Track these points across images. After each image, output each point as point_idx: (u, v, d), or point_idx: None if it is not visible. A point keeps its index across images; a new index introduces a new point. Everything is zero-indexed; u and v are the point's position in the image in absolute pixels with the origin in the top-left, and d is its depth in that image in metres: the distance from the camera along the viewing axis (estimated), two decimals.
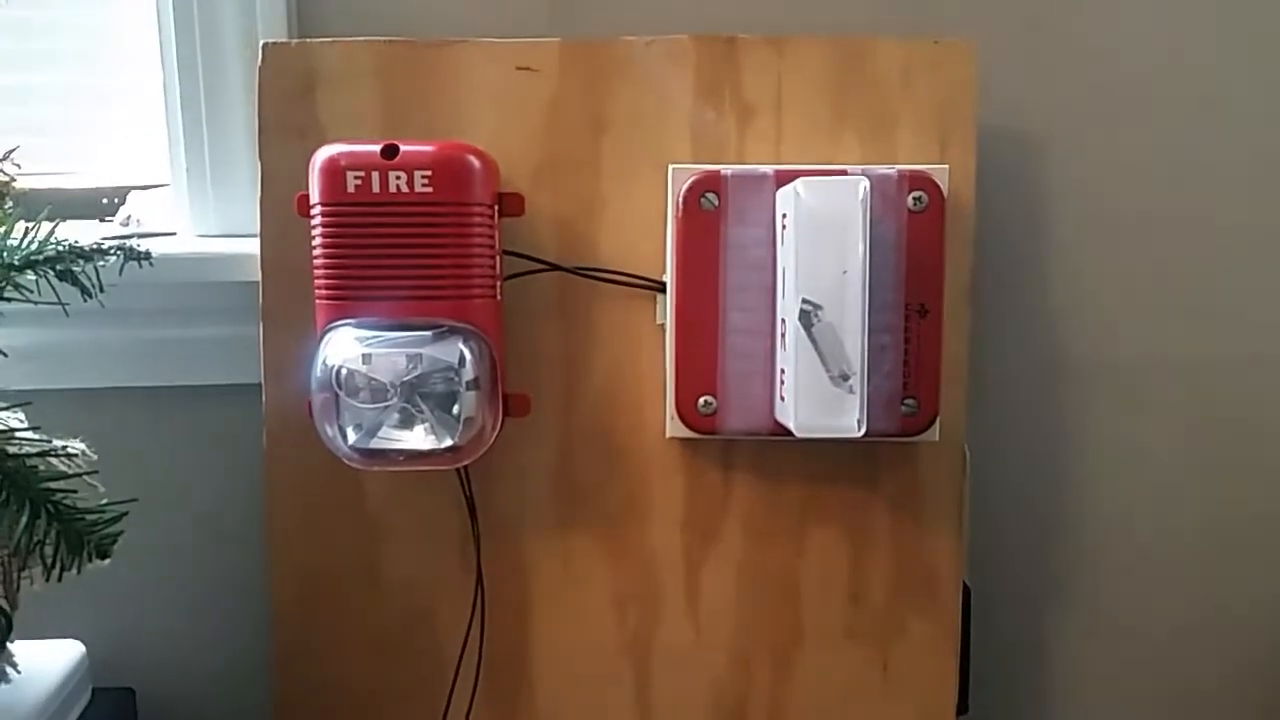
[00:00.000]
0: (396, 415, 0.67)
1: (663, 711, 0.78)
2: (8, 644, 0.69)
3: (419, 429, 0.67)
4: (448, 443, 0.67)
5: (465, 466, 0.74)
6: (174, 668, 0.86)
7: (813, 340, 0.64)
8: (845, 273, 0.63)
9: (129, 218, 0.84)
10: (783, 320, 0.67)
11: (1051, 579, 0.88)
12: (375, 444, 0.67)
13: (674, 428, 0.74)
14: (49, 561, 0.59)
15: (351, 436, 0.67)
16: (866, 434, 0.64)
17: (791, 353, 0.64)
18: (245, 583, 0.82)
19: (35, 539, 0.58)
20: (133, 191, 0.85)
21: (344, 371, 0.66)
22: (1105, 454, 0.86)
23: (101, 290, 0.66)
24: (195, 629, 0.86)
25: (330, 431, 0.68)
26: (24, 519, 0.58)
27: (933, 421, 0.72)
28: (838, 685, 0.77)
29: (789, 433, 0.66)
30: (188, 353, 0.81)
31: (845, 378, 0.63)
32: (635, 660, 0.77)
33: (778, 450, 0.75)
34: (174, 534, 0.84)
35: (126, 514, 0.61)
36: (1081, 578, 0.88)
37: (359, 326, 0.67)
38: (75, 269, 0.65)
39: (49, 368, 0.79)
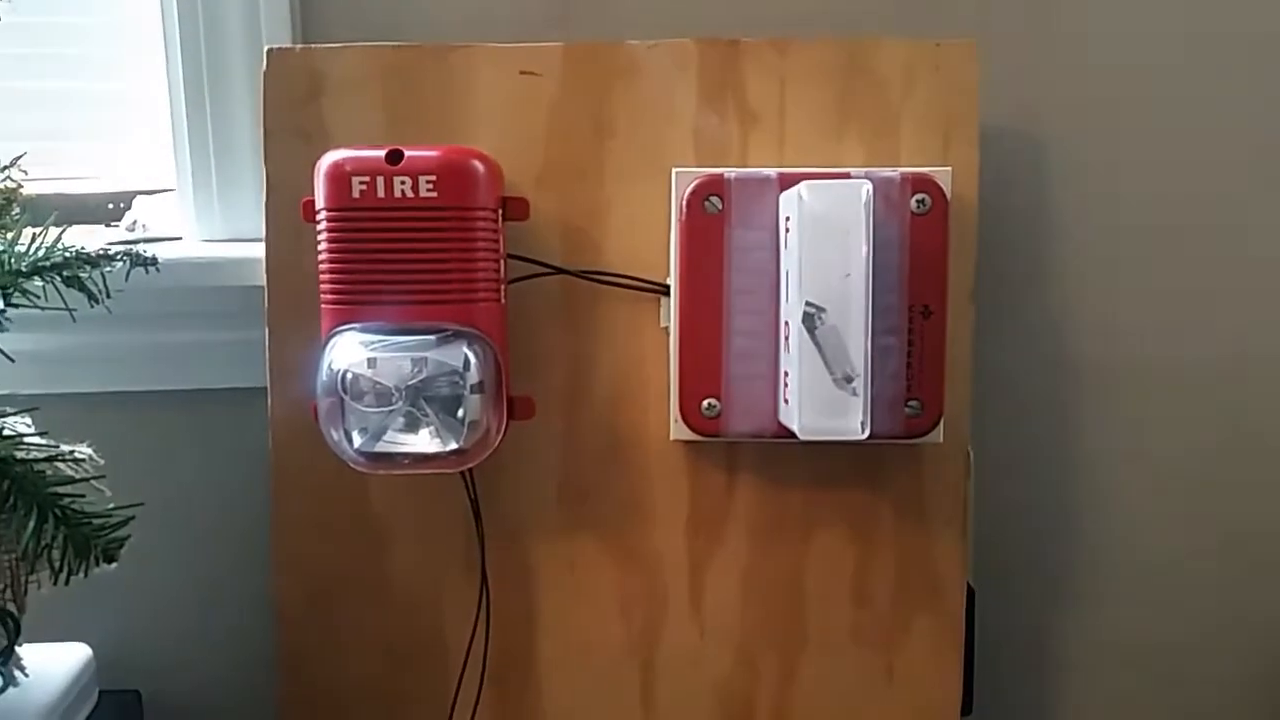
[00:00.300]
0: (401, 419, 0.67)
1: (668, 713, 0.78)
2: (16, 647, 0.69)
3: (424, 432, 0.67)
4: (453, 446, 0.67)
5: (470, 470, 0.74)
6: (180, 671, 0.86)
7: (816, 343, 0.64)
8: (848, 275, 0.63)
9: (135, 223, 0.84)
10: (786, 323, 0.67)
11: (1055, 580, 0.88)
12: (380, 448, 0.67)
13: (678, 430, 0.74)
14: (56, 565, 0.60)
15: (357, 440, 0.67)
16: (870, 436, 0.64)
17: (795, 355, 0.65)
18: (251, 586, 0.83)
19: (43, 543, 0.59)
20: (138, 197, 0.86)
21: (349, 375, 0.66)
22: (1109, 455, 0.86)
23: (108, 295, 0.66)
24: (201, 632, 0.86)
25: (335, 435, 0.68)
26: (31, 523, 0.58)
27: (936, 423, 0.72)
28: (842, 687, 0.77)
29: (793, 435, 0.66)
30: (193, 357, 0.81)
31: (849, 380, 0.63)
32: (640, 662, 0.78)
33: (782, 453, 0.75)
34: (180, 538, 0.84)
35: (133, 518, 0.61)
36: (1085, 579, 0.88)
37: (364, 331, 0.67)
38: (82, 274, 0.65)
39: (56, 373, 0.79)
